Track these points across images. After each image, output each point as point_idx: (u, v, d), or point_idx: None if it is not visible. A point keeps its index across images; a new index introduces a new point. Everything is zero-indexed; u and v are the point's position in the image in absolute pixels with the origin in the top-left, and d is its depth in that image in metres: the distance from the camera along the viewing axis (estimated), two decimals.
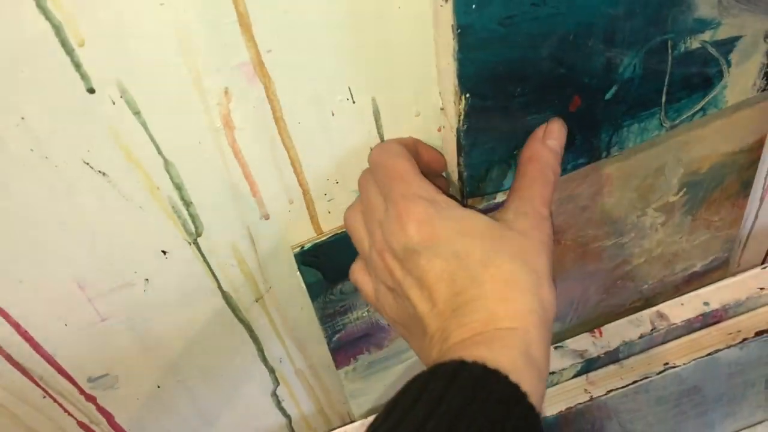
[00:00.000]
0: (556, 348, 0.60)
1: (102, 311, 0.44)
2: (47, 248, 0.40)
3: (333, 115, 0.39)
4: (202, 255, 0.43)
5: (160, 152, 0.37)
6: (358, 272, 0.41)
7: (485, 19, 0.32)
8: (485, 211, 0.47)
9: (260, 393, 0.57)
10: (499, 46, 0.33)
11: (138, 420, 0.53)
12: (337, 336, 0.52)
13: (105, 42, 0.32)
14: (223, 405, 0.56)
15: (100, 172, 0.37)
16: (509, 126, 0.38)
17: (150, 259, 0.42)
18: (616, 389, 0.59)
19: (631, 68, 0.38)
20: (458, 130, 0.37)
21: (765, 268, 0.61)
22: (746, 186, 0.55)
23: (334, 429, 0.60)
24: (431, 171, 0.41)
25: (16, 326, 0.43)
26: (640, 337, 0.59)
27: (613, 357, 0.60)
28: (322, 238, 0.45)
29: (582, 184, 0.49)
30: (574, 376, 0.60)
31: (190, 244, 0.43)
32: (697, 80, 0.40)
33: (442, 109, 0.39)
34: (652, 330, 0.59)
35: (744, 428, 0.68)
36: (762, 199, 0.59)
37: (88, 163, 0.36)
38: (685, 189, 0.53)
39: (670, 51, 0.38)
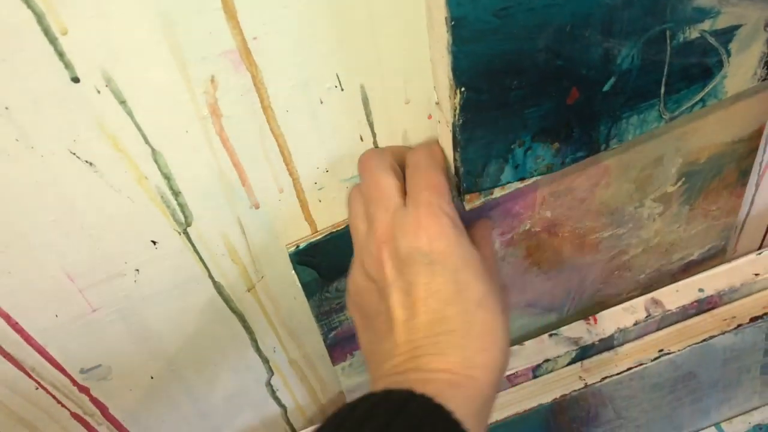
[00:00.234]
0: (550, 336, 0.59)
1: (93, 302, 0.44)
2: (35, 239, 0.39)
3: (321, 102, 0.38)
4: (193, 245, 0.43)
5: (147, 141, 0.37)
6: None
7: (480, 11, 0.31)
8: (480, 208, 0.47)
9: (255, 383, 0.56)
10: (494, 38, 0.33)
11: (132, 411, 0.53)
12: (334, 333, 0.51)
13: (88, 30, 0.31)
14: (218, 395, 0.56)
15: (87, 162, 0.36)
16: (506, 120, 0.37)
17: (140, 249, 0.42)
18: (611, 376, 0.59)
19: (630, 59, 0.37)
20: (454, 125, 0.36)
21: (760, 254, 0.61)
22: (744, 175, 0.55)
23: None
24: None
25: (6, 318, 0.42)
26: (634, 324, 0.59)
27: (607, 344, 0.60)
28: (318, 237, 0.45)
29: (580, 176, 0.49)
30: (569, 364, 0.60)
31: (179, 234, 0.42)
32: (696, 70, 0.40)
33: (437, 103, 0.38)
34: (646, 317, 0.59)
35: (739, 414, 0.68)
36: (758, 185, 0.59)
37: (74, 153, 0.36)
38: (683, 179, 0.52)
39: (668, 41, 0.37)
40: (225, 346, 0.51)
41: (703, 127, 0.48)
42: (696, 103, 0.41)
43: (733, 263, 0.61)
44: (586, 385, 0.59)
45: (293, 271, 0.45)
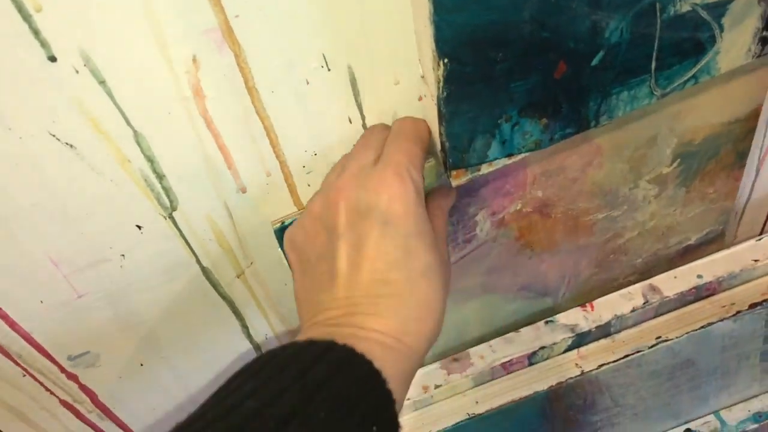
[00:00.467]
0: (546, 323, 0.59)
1: (78, 288, 0.43)
2: (18, 224, 0.39)
3: (308, 83, 0.38)
4: (179, 229, 0.42)
5: (128, 123, 0.36)
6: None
7: None
8: (469, 186, 0.46)
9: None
10: (477, 7, 0.32)
11: (122, 398, 0.52)
12: None
13: (64, 7, 0.31)
14: (210, 383, 0.55)
15: (67, 144, 0.36)
16: (492, 93, 0.36)
17: (125, 234, 0.41)
18: (608, 363, 0.58)
19: (618, 32, 0.36)
20: (438, 98, 0.36)
21: (760, 239, 0.60)
22: (742, 157, 0.54)
23: None
24: None
25: None
26: (632, 311, 0.58)
27: (604, 331, 0.59)
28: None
29: (572, 155, 0.48)
30: (565, 351, 0.59)
31: (165, 218, 0.41)
32: (687, 45, 0.39)
33: (422, 76, 0.38)
34: (644, 303, 0.58)
35: (738, 402, 0.67)
36: (758, 171, 0.58)
37: (54, 135, 0.35)
38: (678, 160, 0.52)
39: (658, 14, 0.36)
40: (215, 332, 0.51)
41: (698, 107, 0.48)
42: (688, 79, 0.40)
43: (733, 249, 0.60)
44: (582, 373, 0.58)
45: (279, 249, 0.45)
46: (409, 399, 0.58)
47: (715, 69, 0.41)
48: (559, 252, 0.56)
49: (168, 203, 0.41)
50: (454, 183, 0.40)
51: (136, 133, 0.37)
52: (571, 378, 0.58)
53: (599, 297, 0.59)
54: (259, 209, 0.43)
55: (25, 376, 0.47)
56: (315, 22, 0.35)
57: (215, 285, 0.47)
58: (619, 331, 0.59)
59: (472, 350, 0.59)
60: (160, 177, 0.39)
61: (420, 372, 0.58)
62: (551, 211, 0.52)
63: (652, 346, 0.58)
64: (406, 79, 0.40)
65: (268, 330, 0.53)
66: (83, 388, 0.50)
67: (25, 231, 0.39)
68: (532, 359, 0.59)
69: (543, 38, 0.34)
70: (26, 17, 0.30)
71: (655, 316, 0.60)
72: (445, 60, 0.33)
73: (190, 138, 0.38)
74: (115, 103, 0.35)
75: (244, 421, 0.29)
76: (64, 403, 0.50)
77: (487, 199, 0.48)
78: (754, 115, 0.50)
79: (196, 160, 0.39)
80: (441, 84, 0.35)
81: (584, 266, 0.58)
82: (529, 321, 0.59)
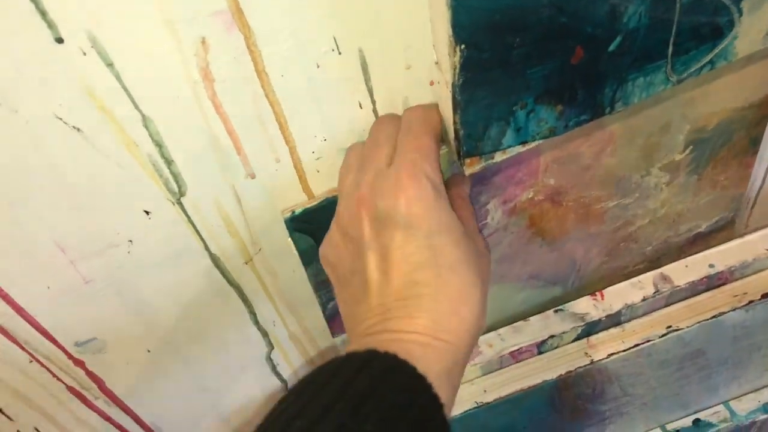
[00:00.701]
0: (556, 311, 0.58)
1: (85, 274, 0.43)
2: (24, 208, 0.38)
3: (318, 67, 0.37)
4: (187, 215, 0.42)
5: (136, 107, 0.36)
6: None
7: None
8: (481, 174, 0.45)
9: (254, 357, 0.56)
10: None
11: (130, 385, 0.52)
12: (332, 303, 0.50)
13: None
14: (217, 370, 0.55)
15: (74, 127, 0.35)
16: (508, 80, 0.36)
17: (132, 219, 0.41)
18: (618, 353, 0.58)
19: (637, 17, 0.35)
20: (453, 85, 0.35)
21: None
22: (755, 143, 0.53)
23: None
24: None
25: None
26: (642, 300, 0.58)
27: (614, 320, 0.58)
28: (314, 203, 0.44)
29: (585, 143, 0.47)
30: (575, 340, 0.59)
31: (173, 203, 0.41)
32: (705, 30, 0.38)
33: (436, 63, 0.37)
34: (655, 292, 0.58)
35: (749, 392, 0.67)
36: None
37: (61, 118, 0.35)
38: (691, 147, 0.51)
39: None
40: (223, 319, 0.50)
41: (712, 92, 0.47)
42: (705, 65, 0.40)
43: (745, 238, 0.59)
44: (592, 362, 0.58)
45: (289, 239, 0.44)
46: None
47: (732, 54, 0.40)
48: (569, 240, 0.55)
49: (176, 188, 0.40)
50: (468, 171, 0.39)
51: (144, 117, 0.36)
52: (580, 367, 0.57)
53: (608, 285, 0.59)
54: (268, 196, 0.43)
55: (31, 362, 0.46)
56: (326, 4, 0.34)
57: (223, 272, 0.47)
58: (629, 320, 0.59)
59: (480, 339, 0.58)
60: (168, 162, 0.39)
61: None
62: (563, 199, 0.51)
63: (662, 336, 0.58)
64: (418, 64, 0.39)
65: (276, 317, 0.52)
66: (90, 374, 0.49)
67: (31, 215, 0.39)
68: (541, 348, 0.58)
69: (561, 23, 0.34)
70: None
71: (665, 306, 0.59)
72: (462, 46, 0.33)
73: (198, 122, 0.37)
74: (123, 86, 0.34)
75: None
76: (71, 390, 0.50)
77: (499, 188, 0.48)
78: None
79: (204, 145, 0.39)
80: (457, 71, 0.34)
81: (594, 254, 0.58)
82: (539, 310, 0.59)
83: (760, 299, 0.57)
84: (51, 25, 0.31)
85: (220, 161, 0.40)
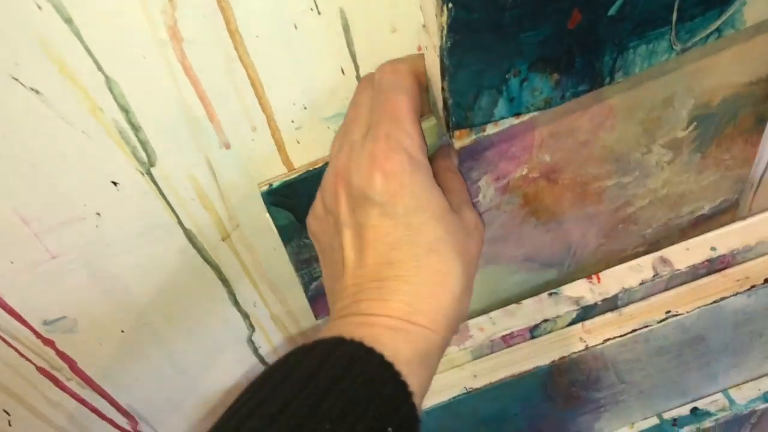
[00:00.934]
0: (550, 294, 0.56)
1: (51, 248, 0.41)
2: None
3: (296, 28, 0.34)
4: (158, 187, 0.40)
5: (99, 68, 0.33)
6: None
7: None
8: (472, 148, 0.43)
9: (235, 339, 0.53)
10: None
11: (103, 366, 0.50)
12: (315, 283, 0.48)
13: None
14: (196, 351, 0.53)
15: (32, 89, 0.33)
16: (500, 45, 0.33)
17: (100, 190, 0.39)
18: (614, 338, 0.56)
19: None
20: (441, 49, 0.32)
21: None
22: (761, 121, 0.51)
23: None
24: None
25: None
26: (641, 284, 0.55)
27: (611, 304, 0.56)
28: (293, 176, 0.41)
29: (582, 116, 0.45)
30: (570, 324, 0.57)
31: (142, 174, 0.39)
32: None
33: (423, 25, 0.34)
34: (654, 276, 0.55)
35: (749, 380, 0.65)
36: None
37: (17, 79, 0.32)
38: (695, 123, 0.49)
39: None
40: (200, 299, 0.48)
41: (718, 65, 0.44)
42: (711, 33, 0.37)
43: (748, 221, 0.57)
44: (587, 347, 0.55)
45: (267, 213, 0.42)
46: None
47: (741, 22, 0.37)
48: (565, 221, 0.53)
49: (145, 158, 0.38)
50: (457, 144, 0.37)
51: (107, 79, 0.34)
52: (574, 353, 0.55)
53: (605, 268, 0.57)
54: (244, 167, 0.40)
55: None
56: None
57: (199, 249, 0.45)
58: (626, 305, 0.57)
59: (471, 322, 0.56)
60: (136, 129, 0.36)
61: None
62: (559, 177, 0.49)
63: (661, 321, 0.55)
64: (405, 27, 0.36)
65: (256, 297, 0.50)
66: (61, 354, 0.47)
67: None
68: (534, 332, 0.56)
69: None
70: None
71: (665, 290, 0.57)
72: (450, 5, 0.30)
73: (167, 86, 0.35)
74: (84, 45, 0.32)
75: None
76: (42, 371, 0.48)
77: (491, 163, 0.45)
78: None
79: (174, 111, 0.36)
80: (444, 33, 0.31)
81: (591, 236, 0.55)
82: (533, 293, 0.57)
83: (762, 284, 0.55)
84: None
85: (192, 129, 0.37)
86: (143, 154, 0.38)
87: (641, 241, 0.58)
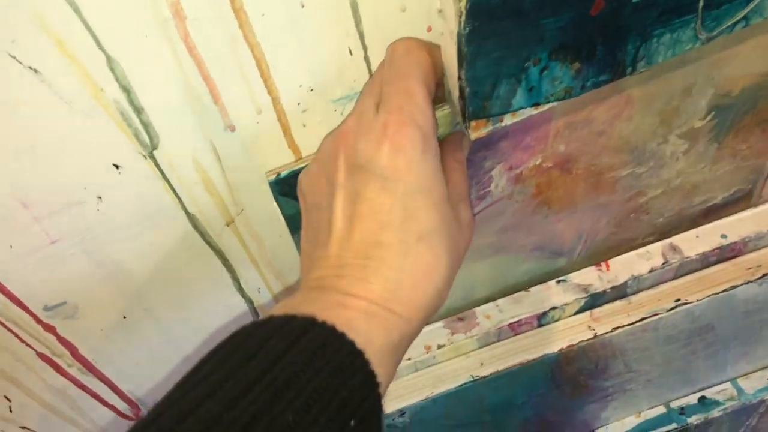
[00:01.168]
0: (558, 282, 0.55)
1: (51, 232, 0.40)
2: None
3: (303, 6, 0.33)
4: (161, 171, 0.39)
5: (100, 46, 0.32)
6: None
7: None
8: (487, 138, 0.42)
9: (238, 325, 0.52)
10: None
11: (104, 351, 0.49)
12: None
13: None
14: (198, 339, 0.52)
15: (30, 68, 0.32)
16: (521, 31, 0.32)
17: (101, 173, 0.38)
18: (623, 327, 0.55)
19: None
20: (459, 35, 0.31)
21: None
22: None
23: None
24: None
25: None
26: (650, 271, 0.54)
27: (620, 292, 0.55)
28: (301, 165, 0.40)
29: (599, 106, 0.44)
30: (577, 312, 0.56)
31: (145, 157, 0.38)
32: None
33: (440, 11, 0.33)
34: (663, 264, 0.54)
35: (758, 370, 0.64)
36: None
37: (14, 57, 0.31)
38: (713, 113, 0.47)
39: None
40: (204, 285, 0.47)
41: (740, 54, 0.43)
42: (738, 21, 0.36)
43: (760, 208, 0.56)
44: (595, 336, 0.55)
45: (275, 203, 0.41)
46: (410, 359, 0.55)
47: None
48: (577, 210, 0.52)
49: (148, 140, 0.37)
50: (473, 135, 0.35)
51: (108, 58, 0.33)
52: (582, 341, 0.55)
53: (615, 256, 0.56)
54: (249, 151, 0.39)
55: None
56: None
57: (203, 234, 0.44)
58: (635, 293, 0.56)
59: (478, 309, 0.55)
60: (138, 110, 0.35)
61: (423, 331, 0.55)
62: (572, 167, 0.48)
63: (670, 310, 0.55)
64: (414, 6, 0.35)
65: (261, 284, 0.49)
66: (62, 340, 0.47)
67: None
68: (541, 320, 0.55)
69: None
70: None
71: (674, 278, 0.56)
72: None
73: (170, 66, 0.34)
74: (84, 22, 0.31)
75: (200, 430, 0.26)
76: (42, 356, 0.47)
77: (505, 153, 0.44)
78: None
79: (177, 92, 0.35)
80: (463, 18, 0.30)
81: (603, 225, 0.54)
82: (541, 281, 0.56)
83: None
84: None
85: (196, 111, 0.36)
86: (145, 137, 0.37)
87: (652, 230, 0.57)
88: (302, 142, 0.40)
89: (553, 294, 0.55)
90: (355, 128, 0.33)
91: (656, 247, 0.55)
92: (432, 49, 0.34)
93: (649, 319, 0.55)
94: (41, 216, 0.38)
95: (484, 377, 0.54)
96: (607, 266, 0.55)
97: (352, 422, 0.28)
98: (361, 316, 0.30)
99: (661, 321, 0.55)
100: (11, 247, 0.39)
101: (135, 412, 0.55)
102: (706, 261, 0.56)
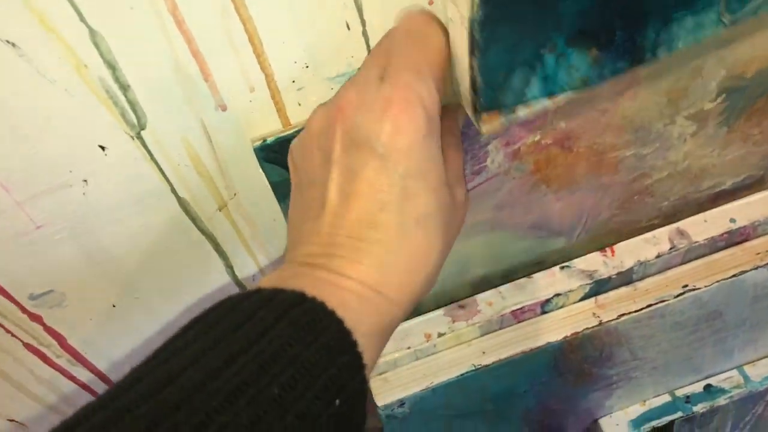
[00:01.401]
0: (562, 268, 0.54)
1: (35, 217, 0.38)
2: None
3: None
4: (149, 152, 0.37)
5: (82, 19, 0.30)
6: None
7: None
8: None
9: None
10: None
11: (95, 342, 0.48)
12: None
13: None
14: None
15: (8, 42, 0.30)
16: (537, 16, 0.30)
17: (86, 155, 0.36)
18: (629, 313, 0.53)
19: None
20: (471, 21, 0.29)
21: None
22: None
23: None
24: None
25: None
26: (657, 257, 0.53)
27: (626, 278, 0.54)
28: (289, 131, 0.38)
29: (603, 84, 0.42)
30: (582, 299, 0.54)
31: (132, 138, 0.36)
32: None
33: None
34: (670, 249, 0.53)
35: (765, 357, 0.63)
36: None
37: None
38: (724, 95, 0.46)
39: None
40: (196, 271, 0.46)
41: (755, 34, 0.41)
42: (763, 3, 0.34)
43: None
44: (600, 323, 0.53)
45: (264, 176, 0.39)
46: (409, 347, 0.53)
47: None
48: (577, 190, 0.50)
49: (135, 120, 0.35)
50: (484, 129, 0.34)
51: (92, 32, 0.31)
52: (587, 329, 0.53)
53: (618, 240, 0.54)
54: (241, 131, 0.38)
55: None
56: None
57: (194, 218, 0.42)
58: (641, 279, 0.54)
59: (479, 296, 0.54)
60: (124, 88, 0.33)
61: (422, 318, 0.54)
62: (573, 145, 0.46)
63: (677, 296, 0.53)
64: None
65: (255, 270, 0.48)
66: (50, 330, 0.45)
67: None
68: (545, 307, 0.54)
69: None
70: None
71: (682, 263, 0.55)
72: None
73: (158, 40, 0.32)
74: None
75: (181, 397, 0.25)
76: (29, 347, 0.45)
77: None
78: None
79: (165, 69, 0.33)
80: (476, 3, 0.28)
81: (605, 206, 0.53)
82: (540, 260, 0.54)
83: None
84: None
85: (185, 89, 0.34)
86: (132, 116, 0.35)
87: (657, 213, 0.55)
88: (297, 121, 0.38)
89: (556, 280, 0.53)
90: (356, 101, 0.31)
91: (663, 232, 0.54)
92: (442, 28, 0.33)
93: (655, 306, 0.53)
94: (25, 200, 0.37)
95: (486, 366, 0.53)
96: (613, 252, 0.54)
97: (337, 401, 0.27)
98: (352, 297, 0.30)
99: (668, 308, 0.53)
100: None
101: None
102: (715, 246, 0.54)
